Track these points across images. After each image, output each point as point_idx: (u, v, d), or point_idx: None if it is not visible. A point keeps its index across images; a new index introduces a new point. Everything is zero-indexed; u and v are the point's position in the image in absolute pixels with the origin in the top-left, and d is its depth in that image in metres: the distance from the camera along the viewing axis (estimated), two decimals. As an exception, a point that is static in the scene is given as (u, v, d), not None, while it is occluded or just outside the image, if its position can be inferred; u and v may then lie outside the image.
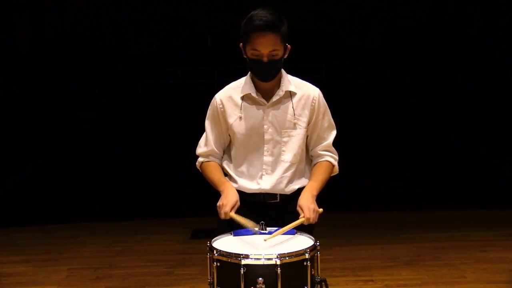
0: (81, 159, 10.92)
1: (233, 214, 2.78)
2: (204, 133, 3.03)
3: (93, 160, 10.77)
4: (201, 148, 3.03)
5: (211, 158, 3.02)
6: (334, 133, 3.03)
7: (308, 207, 2.78)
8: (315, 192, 2.88)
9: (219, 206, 2.81)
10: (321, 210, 2.84)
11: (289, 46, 2.88)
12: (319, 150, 3.00)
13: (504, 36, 16.54)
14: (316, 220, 2.80)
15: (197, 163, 3.06)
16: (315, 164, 3.00)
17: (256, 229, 2.74)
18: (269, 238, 2.64)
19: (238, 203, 2.84)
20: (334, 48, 17.40)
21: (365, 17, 17.98)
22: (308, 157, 3.05)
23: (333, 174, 3.03)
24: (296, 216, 2.80)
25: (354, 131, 11.40)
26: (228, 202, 2.80)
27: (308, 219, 2.76)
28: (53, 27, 18.53)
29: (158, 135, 12.44)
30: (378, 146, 11.02)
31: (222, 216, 2.79)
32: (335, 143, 3.03)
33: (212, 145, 3.00)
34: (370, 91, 15.80)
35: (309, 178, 2.97)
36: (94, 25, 17.82)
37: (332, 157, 3.00)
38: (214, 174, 2.97)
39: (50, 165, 10.58)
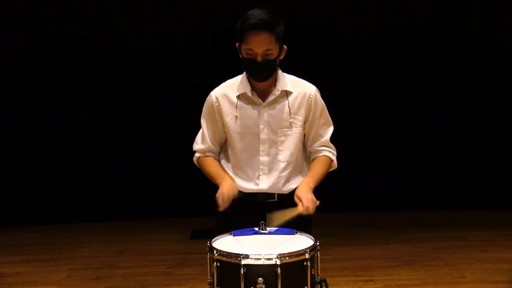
0: (81, 159, 10.92)
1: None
2: (200, 131, 3.01)
3: (93, 160, 10.77)
4: (198, 145, 3.01)
5: (208, 154, 3.00)
6: (331, 129, 3.00)
7: (306, 197, 2.75)
8: (312, 185, 2.84)
9: (218, 196, 2.77)
10: (318, 202, 2.82)
11: (285, 47, 2.85)
12: (316, 146, 2.98)
13: (504, 36, 16.54)
14: (314, 211, 2.78)
15: (194, 158, 3.03)
16: (313, 160, 2.99)
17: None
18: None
19: (237, 192, 2.81)
20: (334, 48, 17.41)
21: (365, 17, 17.98)
22: (306, 156, 3.04)
23: (332, 169, 3.01)
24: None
25: (354, 131, 11.41)
26: (227, 190, 2.76)
27: (307, 207, 2.72)
28: (53, 27, 18.53)
29: (158, 135, 12.45)
30: (378, 146, 11.02)
31: (221, 208, 2.75)
32: (335, 141, 3.02)
33: (209, 142, 2.97)
34: (370, 91, 15.81)
35: (307, 173, 2.95)
36: (94, 25, 17.82)
37: (330, 152, 2.98)
38: (212, 167, 2.94)
39: (50, 165, 10.59)
